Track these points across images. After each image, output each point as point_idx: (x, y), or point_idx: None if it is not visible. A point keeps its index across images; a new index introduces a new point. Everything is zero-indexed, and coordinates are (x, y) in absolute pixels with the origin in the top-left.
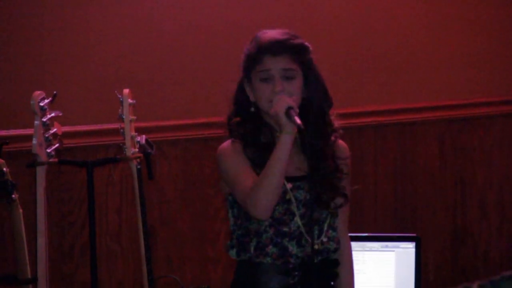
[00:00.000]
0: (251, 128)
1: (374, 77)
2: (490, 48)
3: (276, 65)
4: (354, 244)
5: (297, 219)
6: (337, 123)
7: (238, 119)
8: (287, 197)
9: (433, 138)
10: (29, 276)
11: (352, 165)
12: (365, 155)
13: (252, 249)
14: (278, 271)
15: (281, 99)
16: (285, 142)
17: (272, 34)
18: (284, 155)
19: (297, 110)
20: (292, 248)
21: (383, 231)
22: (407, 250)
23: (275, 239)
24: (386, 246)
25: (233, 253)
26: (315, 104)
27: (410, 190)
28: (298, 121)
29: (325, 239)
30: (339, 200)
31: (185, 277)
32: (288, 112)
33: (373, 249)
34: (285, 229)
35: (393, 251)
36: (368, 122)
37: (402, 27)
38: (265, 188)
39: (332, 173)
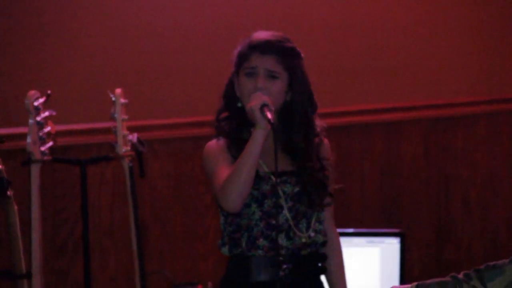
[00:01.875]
0: (236, 123)
1: (360, 77)
2: (474, 49)
3: (262, 63)
4: (341, 240)
5: (286, 212)
6: (320, 126)
7: (226, 114)
8: (276, 190)
9: (418, 137)
10: (24, 272)
11: (339, 163)
12: (351, 153)
13: (243, 243)
14: (269, 264)
15: (258, 95)
16: (257, 137)
17: (264, 34)
18: (255, 149)
19: (273, 108)
20: (282, 240)
21: (368, 227)
22: (392, 246)
23: (266, 232)
24: (371, 242)
25: (225, 250)
26: (299, 108)
27: (396, 187)
28: (269, 115)
29: (312, 233)
30: (327, 199)
31: (176, 272)
32: (262, 108)
33: (358, 244)
34: (273, 222)
35: (378, 246)
36: (355, 121)
37: (388, 28)
38: (235, 182)
39: (318, 173)
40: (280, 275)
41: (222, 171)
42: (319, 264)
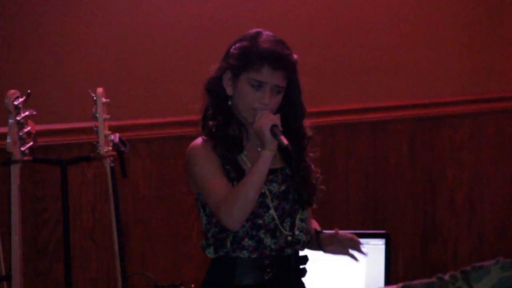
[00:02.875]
0: (222, 120)
1: (346, 76)
2: (459, 48)
3: (272, 79)
4: None
5: (272, 211)
6: (309, 131)
7: (211, 110)
8: (262, 190)
9: (403, 137)
10: (3, 273)
11: (324, 163)
12: (336, 153)
13: (228, 243)
14: (254, 267)
15: (266, 115)
16: (266, 159)
17: (273, 43)
18: (263, 171)
19: (281, 128)
20: (267, 240)
21: (353, 228)
22: (377, 247)
23: (251, 232)
24: None
25: (210, 251)
26: (291, 115)
27: (381, 187)
28: (285, 141)
29: (297, 232)
30: (315, 198)
31: (158, 274)
32: (273, 130)
33: None
34: (260, 221)
35: (363, 247)
36: (340, 121)
37: (374, 28)
38: (241, 203)
39: (309, 174)
40: (265, 279)
41: (217, 184)
42: (300, 267)
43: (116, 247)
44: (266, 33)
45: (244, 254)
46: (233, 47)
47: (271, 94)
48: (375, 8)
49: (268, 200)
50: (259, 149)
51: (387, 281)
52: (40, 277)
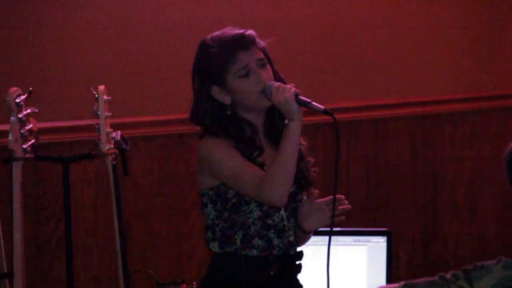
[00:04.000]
0: (234, 129)
1: (347, 74)
2: (461, 46)
3: (251, 57)
4: (326, 238)
5: (282, 211)
6: None
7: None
8: None
9: (404, 135)
10: (5, 271)
11: (325, 160)
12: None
13: (238, 241)
14: (260, 263)
15: (283, 87)
16: (295, 129)
17: (228, 31)
18: (296, 142)
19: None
20: (275, 240)
21: (355, 225)
22: (378, 245)
23: (261, 231)
24: (358, 241)
25: (215, 245)
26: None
27: (382, 185)
28: (320, 106)
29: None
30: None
31: (160, 271)
32: (298, 98)
33: (345, 243)
34: (270, 221)
35: (365, 245)
36: (341, 119)
37: (375, 25)
38: (282, 177)
39: (304, 160)
40: (271, 275)
41: (250, 168)
42: (297, 262)
43: (118, 245)
44: (215, 32)
45: (253, 252)
46: (200, 62)
47: (261, 69)
48: (377, 6)
49: None
50: (286, 121)
51: (389, 279)
52: (42, 274)
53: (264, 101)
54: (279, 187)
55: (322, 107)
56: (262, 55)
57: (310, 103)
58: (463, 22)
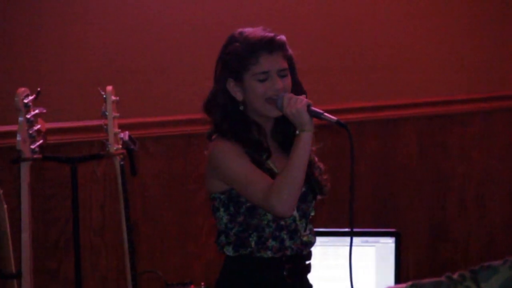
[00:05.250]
0: (242, 127)
1: (355, 74)
2: (470, 46)
3: (273, 65)
4: (335, 239)
5: (295, 212)
6: None
7: (225, 121)
8: None
9: (413, 135)
10: (14, 271)
11: (333, 160)
12: (346, 151)
13: (253, 244)
14: (274, 265)
15: (295, 97)
16: (307, 141)
17: (258, 32)
18: (306, 153)
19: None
20: (288, 241)
21: (363, 226)
22: (387, 245)
23: (275, 233)
24: (367, 241)
25: (229, 249)
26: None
27: (391, 186)
28: (333, 117)
29: (308, 232)
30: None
31: (168, 271)
32: (310, 109)
33: (353, 244)
34: (283, 222)
35: (373, 246)
36: (349, 119)
37: (385, 25)
38: (290, 188)
39: (314, 165)
40: (284, 276)
41: (259, 176)
42: (306, 262)
43: (126, 245)
44: (248, 28)
45: (268, 254)
46: (224, 54)
47: (280, 79)
48: (387, 6)
49: None
50: (297, 131)
51: (397, 279)
52: (50, 274)
53: (272, 110)
54: (286, 200)
55: (335, 118)
56: (284, 65)
57: (322, 114)
58: (473, 22)
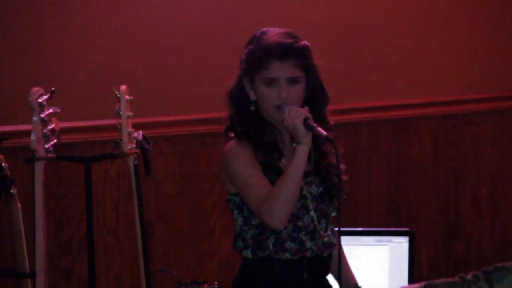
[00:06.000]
0: (255, 128)
1: (369, 74)
2: (483, 45)
3: (282, 72)
4: (348, 239)
5: (312, 213)
6: (331, 120)
7: (239, 117)
8: (303, 192)
9: (426, 134)
10: (28, 270)
11: (347, 160)
12: (359, 151)
13: (270, 246)
14: (293, 267)
15: (295, 110)
16: (302, 154)
17: (276, 36)
18: (301, 166)
19: (312, 119)
20: (307, 242)
21: (377, 225)
22: (400, 245)
23: (293, 234)
24: (380, 241)
25: (247, 252)
26: (314, 103)
27: (404, 185)
28: (323, 132)
29: (329, 233)
30: (342, 193)
31: (181, 271)
32: (307, 123)
33: (367, 243)
34: (300, 223)
35: (387, 245)
36: (363, 118)
37: (397, 25)
38: (282, 201)
39: (335, 168)
40: (304, 277)
41: (259, 184)
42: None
43: (140, 245)
44: (272, 29)
45: (287, 256)
46: (243, 52)
47: (287, 87)
48: (400, 6)
49: (309, 202)
50: (294, 144)
51: (411, 279)
52: (64, 274)
53: (277, 116)
54: (277, 212)
55: (325, 133)
56: (296, 73)
57: (315, 128)
58: (486, 21)
